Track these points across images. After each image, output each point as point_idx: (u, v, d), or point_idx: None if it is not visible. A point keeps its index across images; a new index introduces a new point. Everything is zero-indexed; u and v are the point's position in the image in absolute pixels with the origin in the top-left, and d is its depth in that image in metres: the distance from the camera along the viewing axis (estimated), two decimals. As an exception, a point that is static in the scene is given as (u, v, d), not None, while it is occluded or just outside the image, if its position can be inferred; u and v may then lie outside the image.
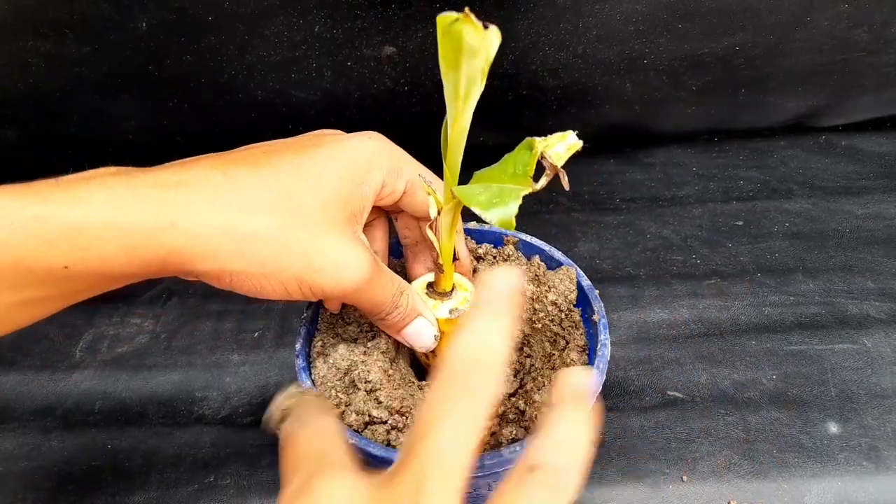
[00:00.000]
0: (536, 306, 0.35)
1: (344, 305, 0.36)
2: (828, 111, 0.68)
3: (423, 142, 0.63)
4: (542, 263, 0.37)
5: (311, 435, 0.21)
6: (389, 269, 0.30)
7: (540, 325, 0.34)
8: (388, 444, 0.29)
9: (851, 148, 0.68)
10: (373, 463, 0.28)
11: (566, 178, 0.24)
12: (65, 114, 0.58)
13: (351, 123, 0.61)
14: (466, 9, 0.19)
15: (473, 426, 0.19)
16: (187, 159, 0.27)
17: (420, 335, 0.31)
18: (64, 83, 0.55)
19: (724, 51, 0.59)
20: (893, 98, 0.67)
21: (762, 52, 0.59)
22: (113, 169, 0.25)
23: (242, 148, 0.28)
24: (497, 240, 0.39)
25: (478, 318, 0.20)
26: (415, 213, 0.33)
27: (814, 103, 0.67)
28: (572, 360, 0.33)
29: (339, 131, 0.30)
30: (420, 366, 0.35)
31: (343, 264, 0.26)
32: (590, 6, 0.53)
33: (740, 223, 0.59)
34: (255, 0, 0.50)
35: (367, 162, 0.28)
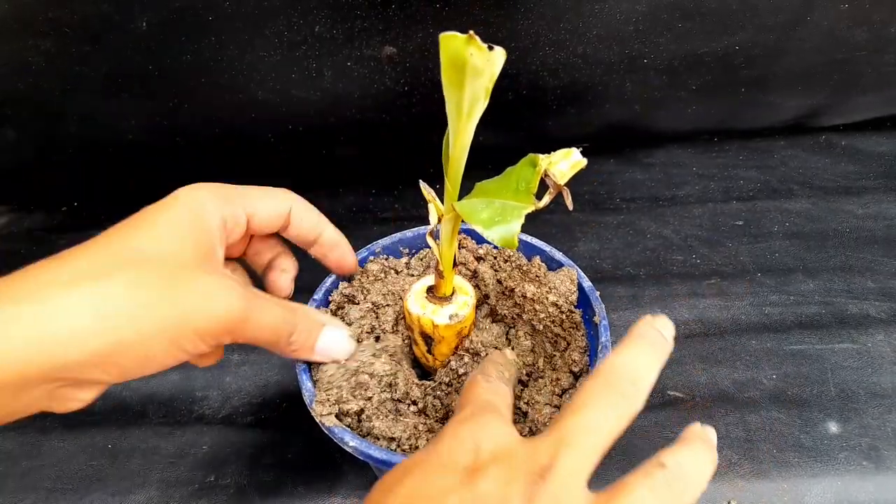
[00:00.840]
0: (537, 307, 0.35)
1: (343, 308, 0.36)
2: (828, 111, 0.68)
3: (422, 142, 0.64)
4: (543, 264, 0.37)
5: (491, 389, 0.26)
6: (268, 294, 0.28)
7: (541, 327, 0.34)
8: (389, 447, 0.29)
9: (851, 148, 0.68)
10: (375, 466, 0.28)
11: (570, 198, 0.24)
12: (65, 114, 0.58)
13: (351, 123, 0.61)
14: (472, 31, 0.19)
15: (618, 422, 0.22)
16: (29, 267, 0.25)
17: (334, 347, 0.30)
18: (64, 83, 0.55)
19: (725, 50, 0.59)
20: (893, 98, 0.67)
21: (762, 52, 0.59)
22: None
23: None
24: (497, 240, 0.39)
25: (643, 343, 0.24)
26: (302, 241, 0.32)
27: (814, 103, 0.67)
28: (574, 360, 0.33)
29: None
30: (422, 367, 0.35)
31: (210, 299, 0.25)
32: (590, 6, 0.53)
33: (740, 223, 0.59)
34: (255, 0, 0.50)
35: (197, 201, 0.27)
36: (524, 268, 0.37)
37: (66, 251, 0.24)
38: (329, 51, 0.54)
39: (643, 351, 0.23)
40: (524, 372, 0.34)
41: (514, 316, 0.35)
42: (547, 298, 0.34)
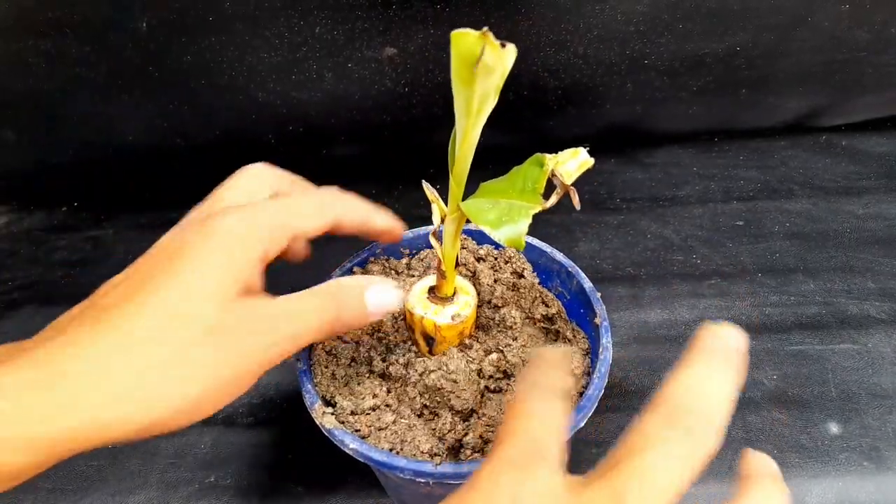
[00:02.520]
0: (517, 334, 0.34)
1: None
2: (828, 111, 0.68)
3: (423, 143, 0.64)
4: (536, 280, 0.38)
5: (544, 417, 0.21)
6: (296, 295, 0.27)
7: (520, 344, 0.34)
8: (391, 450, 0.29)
9: (852, 148, 0.68)
10: (376, 468, 0.28)
11: (577, 197, 0.24)
12: (65, 114, 0.58)
13: (351, 124, 0.61)
14: (486, 28, 0.19)
15: (684, 467, 0.18)
16: (61, 319, 0.24)
17: (383, 301, 0.28)
18: (64, 83, 0.55)
19: (725, 51, 0.59)
20: (894, 98, 0.67)
21: (763, 52, 0.59)
22: None
23: (110, 282, 0.25)
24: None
25: (714, 365, 0.20)
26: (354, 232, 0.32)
27: (814, 103, 0.67)
28: (575, 364, 0.33)
29: (210, 209, 0.28)
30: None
31: (250, 355, 0.24)
32: (590, 6, 0.53)
33: (741, 223, 0.59)
34: (255, 1, 0.50)
35: (233, 242, 0.25)
36: (520, 289, 0.36)
37: (102, 300, 0.23)
38: (329, 52, 0.54)
39: (713, 371, 0.20)
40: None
41: (496, 333, 0.35)
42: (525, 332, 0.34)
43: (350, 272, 0.38)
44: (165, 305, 0.23)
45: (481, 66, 0.20)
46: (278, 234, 0.27)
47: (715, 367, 0.20)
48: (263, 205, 0.27)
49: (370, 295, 0.28)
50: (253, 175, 0.31)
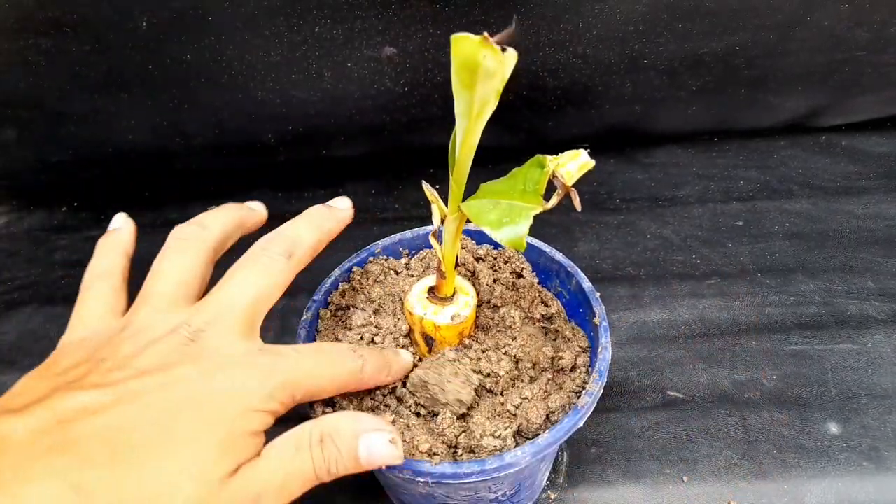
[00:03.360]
0: (516, 334, 0.34)
1: (342, 309, 0.36)
2: (828, 111, 0.68)
3: (422, 142, 0.64)
4: (535, 279, 0.37)
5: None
6: (281, 443, 0.25)
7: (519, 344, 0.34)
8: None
9: (851, 148, 0.68)
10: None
11: (578, 199, 0.24)
12: (65, 114, 0.58)
13: (351, 123, 0.61)
14: (486, 33, 0.19)
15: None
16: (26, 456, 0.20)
17: (377, 457, 0.25)
18: (64, 83, 0.55)
19: (725, 50, 0.59)
20: (894, 98, 0.67)
21: (762, 52, 0.59)
22: None
23: (81, 402, 0.22)
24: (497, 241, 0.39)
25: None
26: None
27: (814, 103, 0.67)
28: (577, 363, 0.33)
29: (202, 350, 0.25)
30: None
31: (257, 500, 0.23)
32: (590, 6, 0.53)
33: (740, 223, 0.59)
34: (255, 0, 0.50)
35: (241, 409, 0.23)
36: (519, 289, 0.36)
37: (73, 428, 0.21)
38: (329, 51, 0.54)
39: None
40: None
41: (496, 333, 0.35)
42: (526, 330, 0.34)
43: (349, 272, 0.38)
44: (144, 487, 0.21)
45: (482, 71, 0.20)
46: (286, 396, 0.25)
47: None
48: (271, 361, 0.26)
49: (363, 448, 0.25)
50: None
